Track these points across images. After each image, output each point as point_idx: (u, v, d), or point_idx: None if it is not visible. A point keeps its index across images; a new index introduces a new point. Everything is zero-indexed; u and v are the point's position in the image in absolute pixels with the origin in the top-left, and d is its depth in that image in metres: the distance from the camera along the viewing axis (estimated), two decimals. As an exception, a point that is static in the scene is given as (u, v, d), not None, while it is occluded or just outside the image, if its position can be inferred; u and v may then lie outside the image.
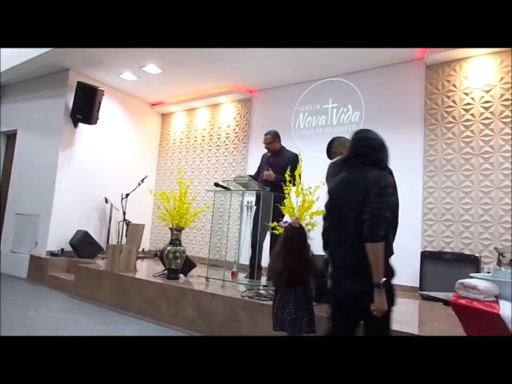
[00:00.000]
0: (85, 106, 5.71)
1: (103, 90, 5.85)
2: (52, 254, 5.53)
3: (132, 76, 5.95)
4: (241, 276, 4.31)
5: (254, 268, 4.01)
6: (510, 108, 4.11)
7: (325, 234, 1.88)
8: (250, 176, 4.17)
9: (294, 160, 3.74)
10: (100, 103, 5.81)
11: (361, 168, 1.69)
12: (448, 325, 2.04)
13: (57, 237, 5.64)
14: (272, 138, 4.19)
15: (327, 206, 1.85)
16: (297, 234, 2.38)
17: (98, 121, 5.88)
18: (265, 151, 4.43)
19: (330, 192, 1.84)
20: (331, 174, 2.33)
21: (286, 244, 2.36)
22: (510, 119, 4.10)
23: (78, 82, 5.69)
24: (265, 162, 4.32)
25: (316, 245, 2.72)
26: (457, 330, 1.83)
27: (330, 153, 2.78)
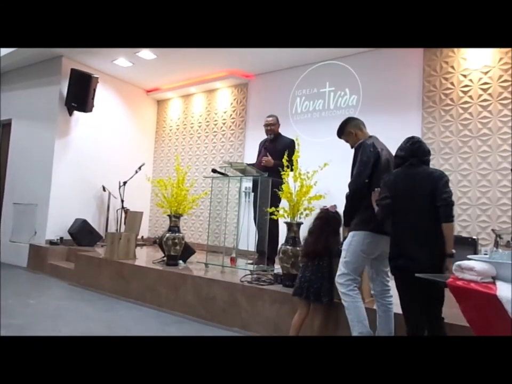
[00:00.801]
0: (80, 94, 5.64)
1: (97, 77, 5.77)
2: (51, 242, 5.54)
3: (126, 62, 5.86)
4: (240, 261, 4.34)
5: (261, 253, 4.06)
6: (509, 90, 4.07)
7: (387, 216, 2.21)
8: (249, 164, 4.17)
9: (291, 146, 3.74)
10: (94, 90, 5.74)
11: (417, 166, 2.13)
12: (446, 307, 2.07)
13: (56, 225, 5.64)
14: (276, 120, 4.28)
15: (392, 197, 2.15)
16: (331, 218, 2.71)
17: (93, 108, 5.82)
18: (262, 137, 4.41)
19: (395, 185, 2.15)
20: (367, 154, 2.39)
21: (320, 224, 2.70)
22: (508, 101, 4.07)
23: (72, 70, 5.60)
24: (263, 147, 4.31)
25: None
26: (455, 311, 1.85)
27: (343, 131, 2.61)
